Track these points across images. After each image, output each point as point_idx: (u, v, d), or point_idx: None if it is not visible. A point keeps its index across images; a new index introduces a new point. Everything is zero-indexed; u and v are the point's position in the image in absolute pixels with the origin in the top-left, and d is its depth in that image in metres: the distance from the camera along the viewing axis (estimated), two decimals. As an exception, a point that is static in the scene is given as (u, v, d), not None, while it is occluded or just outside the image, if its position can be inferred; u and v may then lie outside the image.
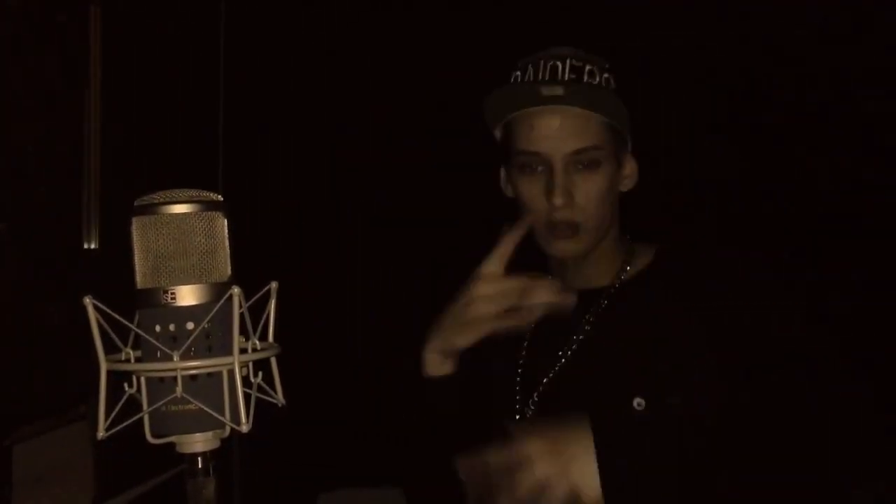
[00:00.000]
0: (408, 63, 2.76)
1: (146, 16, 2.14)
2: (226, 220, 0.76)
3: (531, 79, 1.30)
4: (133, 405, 0.76)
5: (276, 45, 2.72)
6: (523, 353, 1.38)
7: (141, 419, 0.75)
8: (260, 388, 0.79)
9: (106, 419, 0.74)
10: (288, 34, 2.76)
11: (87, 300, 0.73)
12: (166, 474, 2.05)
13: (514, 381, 1.36)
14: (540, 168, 1.29)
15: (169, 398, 0.73)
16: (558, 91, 1.25)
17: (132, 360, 0.77)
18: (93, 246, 1.88)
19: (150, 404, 0.74)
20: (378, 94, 2.85)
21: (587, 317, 1.33)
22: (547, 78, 1.29)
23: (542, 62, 1.31)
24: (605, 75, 1.32)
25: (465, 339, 1.21)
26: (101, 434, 0.74)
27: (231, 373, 0.74)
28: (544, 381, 1.33)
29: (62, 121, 1.81)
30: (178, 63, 2.33)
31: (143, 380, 0.75)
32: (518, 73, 1.35)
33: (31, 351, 1.69)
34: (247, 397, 0.75)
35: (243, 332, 0.76)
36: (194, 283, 0.74)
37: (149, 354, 0.75)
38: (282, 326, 0.82)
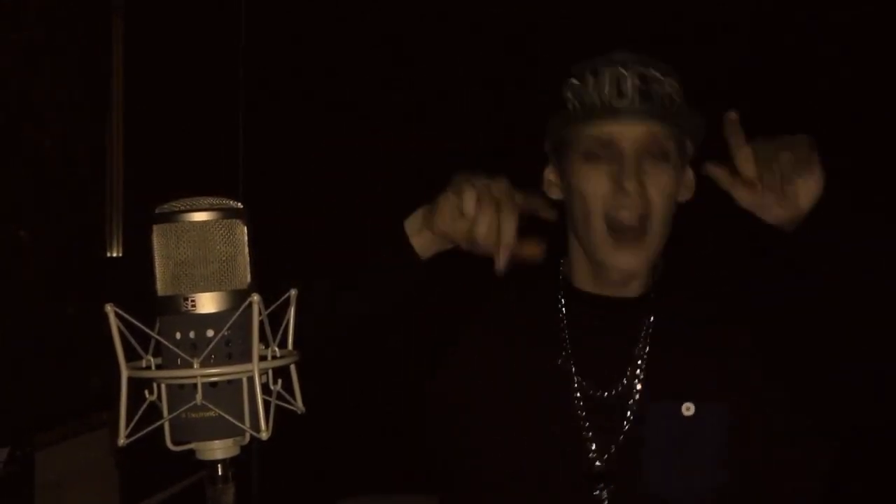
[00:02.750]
0: (433, 68, 2.76)
1: (168, 24, 2.16)
2: (246, 228, 0.76)
3: (599, 93, 1.20)
4: (154, 412, 0.76)
5: (297, 52, 2.74)
6: (573, 381, 1.26)
7: (161, 426, 0.75)
8: (279, 396, 0.79)
9: (127, 426, 0.74)
10: (308, 41, 2.77)
11: (109, 307, 0.74)
12: (186, 481, 2.05)
13: (574, 412, 1.25)
14: (607, 157, 1.19)
15: (189, 405, 0.73)
16: (634, 105, 1.18)
17: (153, 368, 0.77)
18: (115, 254, 1.89)
19: (170, 411, 0.75)
20: (403, 99, 2.86)
21: (639, 339, 1.26)
22: (615, 92, 1.20)
23: (606, 72, 1.21)
24: (671, 80, 1.23)
25: (442, 217, 1.14)
26: (121, 441, 0.74)
27: (251, 380, 0.74)
28: (625, 424, 1.23)
29: (83, 129, 1.82)
30: (199, 72, 2.34)
31: (163, 387, 0.76)
32: (574, 80, 1.24)
33: (53, 358, 1.70)
34: (266, 404, 0.75)
35: (263, 339, 0.76)
36: (214, 291, 0.74)
37: (169, 361, 0.75)
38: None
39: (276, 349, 0.79)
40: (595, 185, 1.20)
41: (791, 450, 1.19)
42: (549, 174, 1.31)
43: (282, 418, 0.79)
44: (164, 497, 2.05)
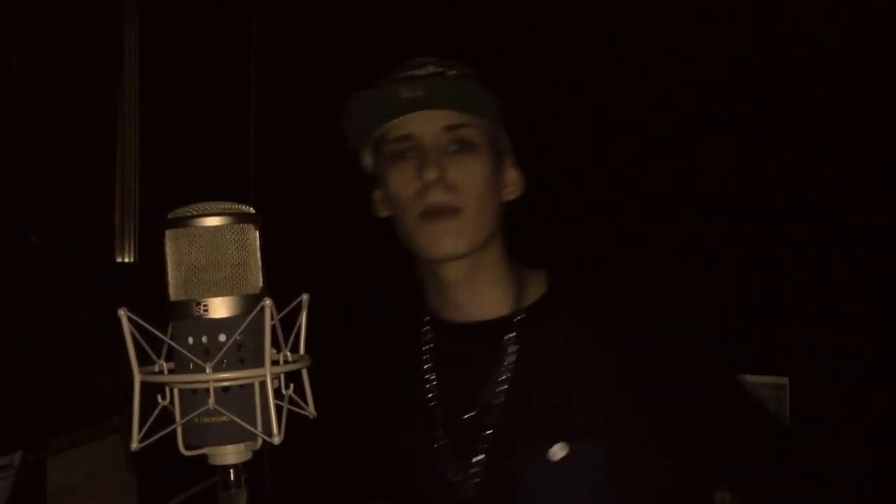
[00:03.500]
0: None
1: (180, 30, 2.17)
2: (257, 233, 0.76)
3: (390, 92, 1.15)
4: (166, 417, 0.76)
5: (307, 58, 2.75)
6: (433, 410, 1.23)
7: (174, 431, 0.75)
8: (291, 400, 0.79)
9: (139, 431, 0.74)
10: (318, 47, 2.78)
11: (122, 312, 0.74)
12: (199, 486, 2.06)
13: (432, 440, 1.22)
14: (411, 153, 1.15)
15: (201, 410, 0.73)
16: (419, 92, 1.13)
17: (165, 372, 0.77)
18: (127, 259, 1.90)
19: (182, 416, 0.75)
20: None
21: (499, 360, 1.19)
22: (407, 87, 1.14)
23: (399, 72, 1.20)
24: (469, 74, 1.21)
25: None
26: (134, 446, 0.74)
27: (263, 385, 0.74)
28: (482, 449, 1.17)
29: (92, 133, 1.83)
30: (212, 77, 2.35)
31: (175, 391, 0.76)
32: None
33: (65, 363, 1.71)
34: (278, 409, 0.75)
35: (275, 343, 0.76)
36: (226, 296, 0.75)
37: (181, 366, 0.75)
38: (312, 338, 0.82)
39: (288, 354, 0.79)
40: (402, 182, 1.15)
41: (666, 489, 1.12)
42: (376, 194, 1.26)
43: (294, 423, 0.79)
44: (177, 502, 2.05)
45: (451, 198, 1.13)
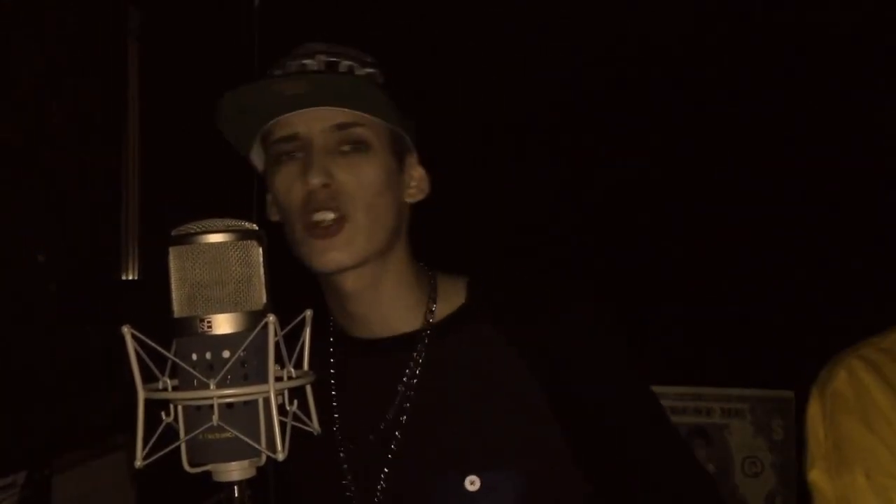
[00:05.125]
0: (447, 85, 2.75)
1: (183, 48, 2.18)
2: (261, 249, 0.77)
3: (274, 87, 1.06)
4: (170, 434, 0.76)
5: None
6: (336, 426, 1.15)
7: (178, 448, 0.75)
8: (295, 416, 0.79)
9: (144, 448, 0.74)
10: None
11: (126, 329, 0.74)
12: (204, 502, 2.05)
13: (339, 463, 1.14)
14: (299, 154, 1.06)
15: (205, 426, 0.73)
16: (302, 88, 1.04)
17: (169, 389, 0.77)
18: (132, 277, 1.90)
19: (187, 433, 0.75)
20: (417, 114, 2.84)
21: (404, 379, 1.11)
22: (292, 82, 1.05)
23: (286, 62, 1.12)
24: (368, 70, 1.12)
25: None
26: (139, 463, 0.74)
27: (267, 401, 0.74)
28: (383, 472, 1.10)
29: (101, 152, 1.84)
30: (214, 94, 2.36)
31: (179, 408, 0.76)
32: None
33: (70, 381, 1.71)
34: (282, 425, 0.75)
35: (278, 360, 0.76)
36: (230, 312, 0.75)
37: (186, 383, 0.75)
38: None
39: (292, 370, 0.79)
40: (287, 187, 1.06)
41: None
42: (269, 196, 1.15)
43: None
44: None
45: (337, 203, 1.05)
